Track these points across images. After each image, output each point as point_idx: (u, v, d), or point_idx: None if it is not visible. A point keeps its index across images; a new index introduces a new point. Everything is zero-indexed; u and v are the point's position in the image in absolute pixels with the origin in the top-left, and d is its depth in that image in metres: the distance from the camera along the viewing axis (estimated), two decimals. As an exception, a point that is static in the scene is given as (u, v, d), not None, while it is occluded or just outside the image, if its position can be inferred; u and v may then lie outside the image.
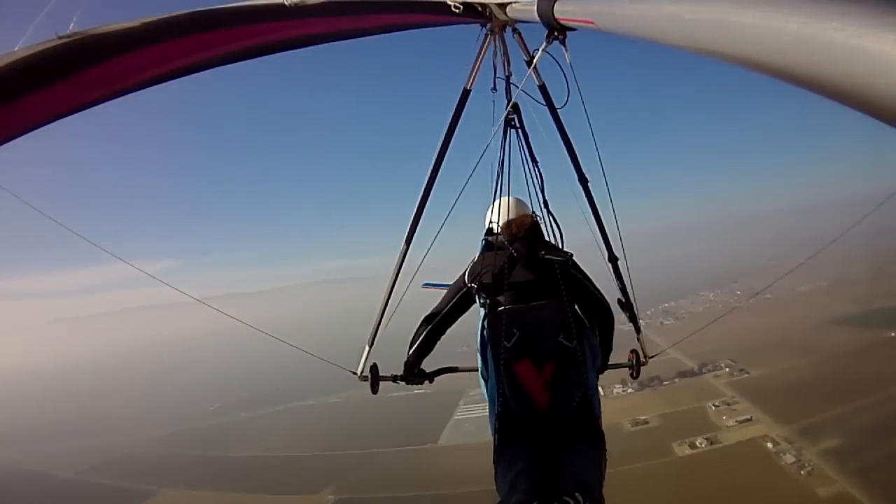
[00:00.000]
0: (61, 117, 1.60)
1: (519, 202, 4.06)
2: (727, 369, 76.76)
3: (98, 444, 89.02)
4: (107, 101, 1.69)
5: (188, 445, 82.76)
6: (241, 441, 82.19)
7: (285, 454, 74.28)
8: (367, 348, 4.54)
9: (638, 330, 4.73)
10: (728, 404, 65.53)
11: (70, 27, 1.57)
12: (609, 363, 4.31)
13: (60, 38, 1.51)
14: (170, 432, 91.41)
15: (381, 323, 4.43)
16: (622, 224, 4.35)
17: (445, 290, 4.04)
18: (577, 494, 2.88)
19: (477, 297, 3.86)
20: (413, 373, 4.14)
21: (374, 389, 4.40)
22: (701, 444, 56.04)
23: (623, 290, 4.48)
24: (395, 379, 4.35)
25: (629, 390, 73.21)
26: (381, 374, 4.38)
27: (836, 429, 53.13)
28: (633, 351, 4.48)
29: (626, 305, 4.50)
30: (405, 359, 4.11)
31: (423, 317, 4.00)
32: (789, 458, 50.42)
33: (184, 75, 1.92)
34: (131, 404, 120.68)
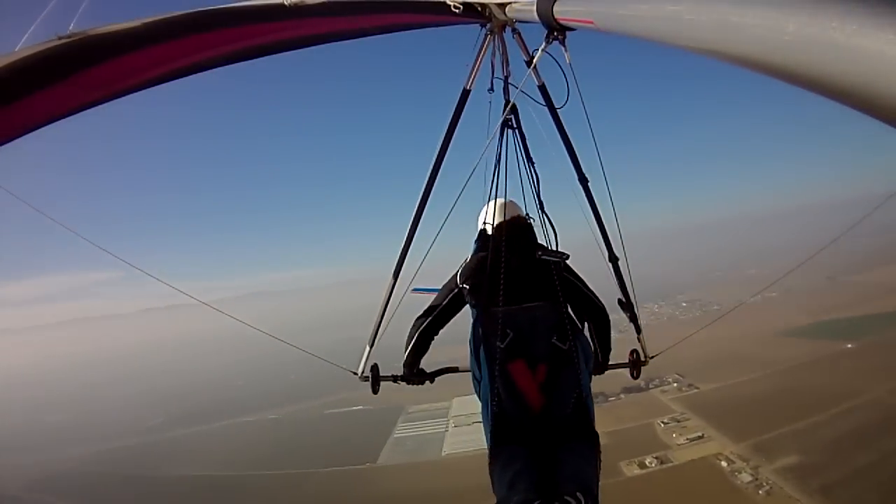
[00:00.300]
0: (61, 118, 1.60)
1: (511, 204, 4.06)
2: (675, 384, 73.15)
3: (23, 462, 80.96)
4: (107, 101, 1.69)
5: (116, 464, 76.24)
6: (172, 459, 76.40)
7: (217, 474, 68.91)
8: (367, 349, 4.54)
9: (638, 330, 4.74)
10: (678, 421, 62.57)
11: (70, 27, 1.57)
12: (609, 363, 4.31)
13: (60, 38, 1.51)
14: (105, 449, 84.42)
15: (382, 324, 4.43)
16: (610, 224, 4.34)
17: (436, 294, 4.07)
18: (578, 494, 2.88)
19: (469, 298, 3.87)
20: (413, 373, 4.14)
21: (375, 389, 4.41)
22: (651, 463, 53.39)
23: (623, 289, 4.48)
24: (395, 379, 4.35)
25: None
26: (381, 374, 4.38)
27: (794, 445, 51.04)
28: (633, 351, 4.48)
29: (627, 305, 4.51)
30: (403, 360, 4.12)
31: (415, 317, 4.02)
32: (746, 477, 47.97)
33: (184, 76, 1.92)
34: (68, 419, 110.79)
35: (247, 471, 68.27)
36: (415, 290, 4.46)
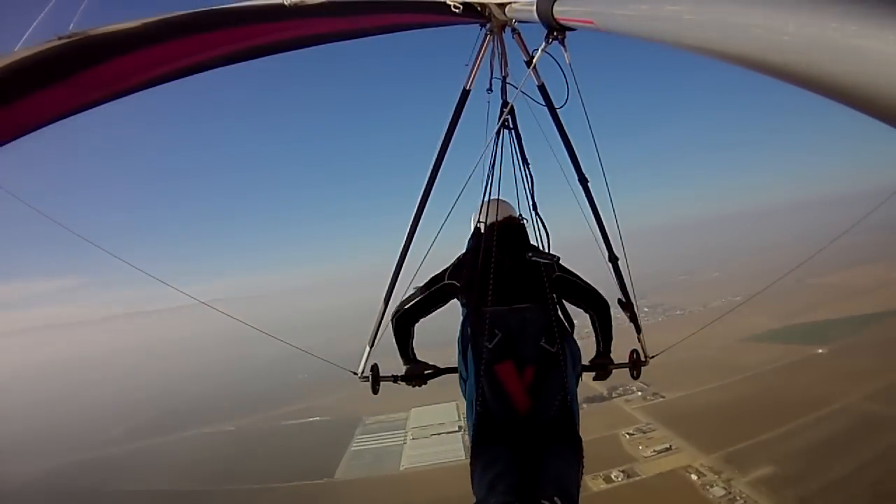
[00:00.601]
0: (62, 118, 1.60)
1: (504, 203, 4.06)
2: (639, 393, 69.22)
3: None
4: (107, 101, 1.69)
5: (69, 480, 70.21)
6: (127, 474, 71.34)
7: (172, 489, 64.60)
8: (367, 349, 4.54)
9: (638, 329, 4.74)
10: (643, 432, 59.22)
11: (70, 27, 1.57)
12: (610, 365, 4.31)
13: (60, 38, 1.51)
14: (57, 465, 77.17)
15: (382, 324, 4.43)
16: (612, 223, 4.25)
17: None
18: (556, 499, 2.87)
19: (459, 297, 3.88)
20: (411, 368, 4.14)
21: (375, 389, 4.41)
22: (617, 477, 50.31)
23: (623, 289, 4.48)
24: (395, 379, 4.35)
25: None
26: (381, 374, 4.38)
27: (767, 455, 48.25)
28: (633, 351, 4.48)
29: (627, 305, 4.51)
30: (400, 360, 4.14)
31: (398, 304, 4.02)
32: (718, 491, 45.42)
33: (184, 76, 1.92)
34: (20, 432, 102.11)
35: (203, 486, 64.42)
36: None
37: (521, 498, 2.92)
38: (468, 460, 3.29)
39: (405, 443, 68.78)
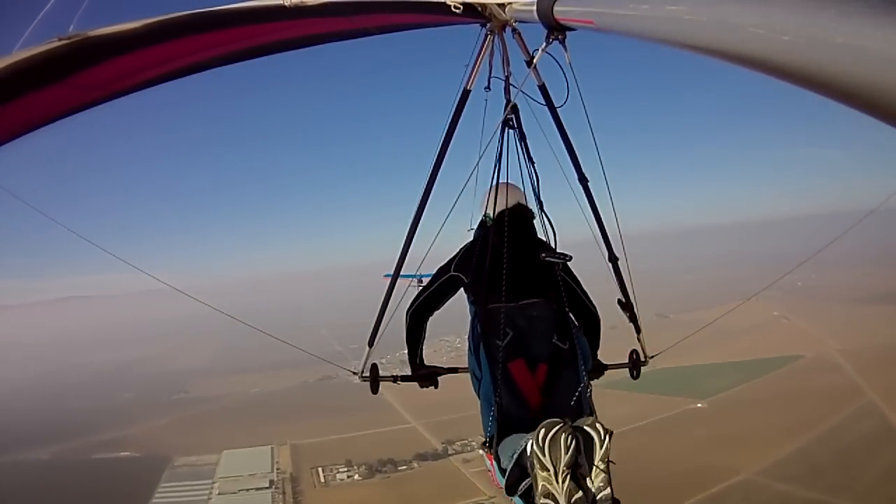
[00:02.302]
0: (61, 118, 1.60)
1: (514, 189, 4.05)
2: (480, 451, 50.76)
3: None
4: (107, 101, 1.70)
5: None
6: None
7: None
8: (367, 349, 4.54)
9: (638, 330, 4.73)
10: None
11: (70, 28, 1.58)
12: (608, 364, 4.31)
13: (60, 39, 1.51)
14: None
15: (382, 324, 4.43)
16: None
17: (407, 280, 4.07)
18: (597, 425, 2.87)
19: (467, 293, 3.88)
20: (415, 369, 4.14)
21: (374, 389, 4.41)
22: None
23: (623, 289, 4.47)
24: (395, 379, 4.35)
25: (356, 476, 54.37)
26: (381, 375, 4.38)
27: None
28: (633, 351, 4.48)
29: (627, 305, 4.50)
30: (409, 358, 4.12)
31: (406, 309, 4.02)
32: None
33: (184, 76, 1.92)
34: None
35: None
36: (386, 275, 4.48)
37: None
38: None
39: (209, 497, 57.54)
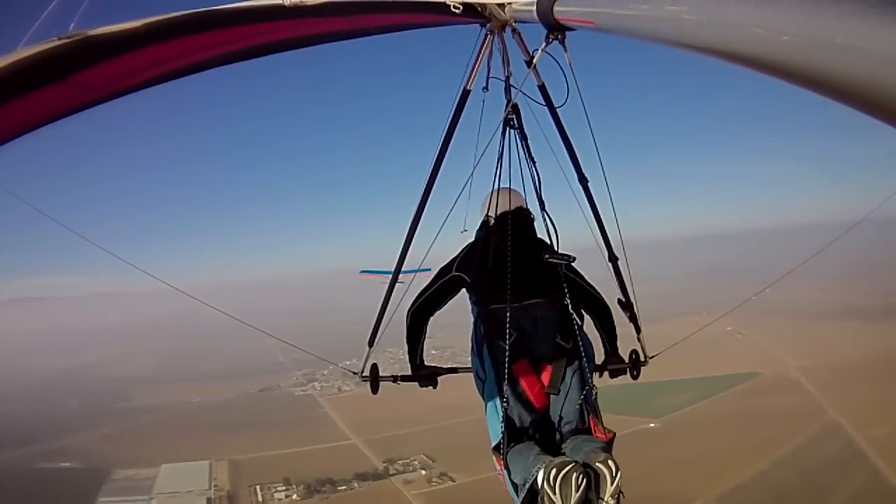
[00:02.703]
0: (61, 117, 1.60)
1: (515, 193, 4.07)
2: (423, 471, 52.64)
3: None
4: (107, 101, 1.69)
5: None
6: None
7: None
8: (367, 349, 4.54)
9: (638, 330, 4.73)
10: None
11: (70, 28, 1.58)
12: (608, 365, 4.31)
13: (61, 38, 1.51)
14: None
15: (382, 324, 4.42)
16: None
17: (382, 277, 4.05)
18: (609, 462, 2.91)
19: (470, 294, 3.87)
20: (415, 369, 4.14)
21: (375, 389, 4.40)
22: None
23: (623, 289, 4.47)
24: (395, 379, 4.35)
25: (294, 496, 52.57)
26: (381, 375, 4.38)
27: None
28: (633, 351, 4.48)
29: (627, 305, 4.50)
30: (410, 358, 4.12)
31: (407, 309, 4.01)
32: None
33: (184, 75, 1.92)
34: None
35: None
36: (362, 271, 4.47)
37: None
38: None
39: (146, 516, 55.05)
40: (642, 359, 4.48)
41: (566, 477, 2.79)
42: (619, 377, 4.41)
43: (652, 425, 57.85)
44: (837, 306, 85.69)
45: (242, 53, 2.12)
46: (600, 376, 4.25)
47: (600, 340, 4.09)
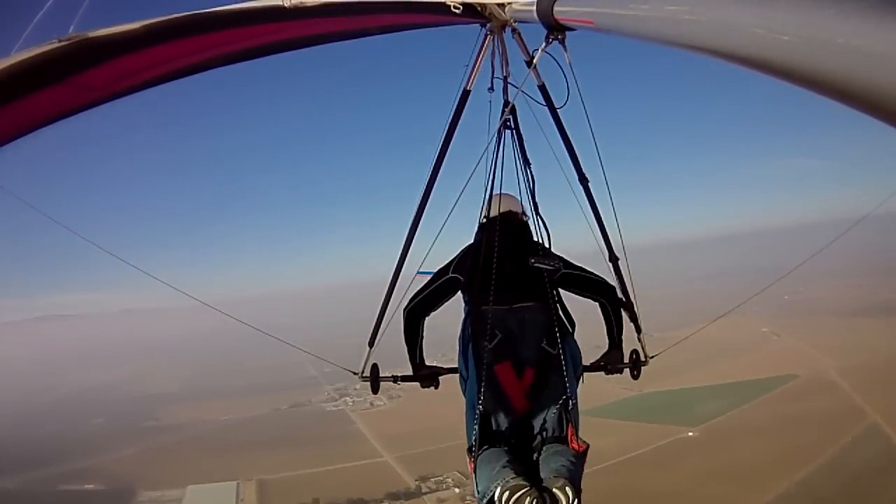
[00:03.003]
0: (61, 119, 1.60)
1: (507, 198, 4.08)
2: (456, 489, 50.29)
3: None
4: (107, 102, 1.69)
5: None
6: None
7: None
8: (368, 349, 4.54)
9: (638, 330, 4.73)
10: None
11: (70, 30, 1.58)
12: (609, 365, 4.30)
13: (60, 40, 1.51)
14: None
15: (382, 324, 4.42)
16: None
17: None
18: (564, 484, 2.89)
19: (463, 294, 3.90)
20: (416, 369, 4.14)
21: (375, 389, 4.41)
22: None
23: (624, 289, 4.47)
24: (395, 379, 4.35)
25: None
26: (381, 374, 4.38)
27: None
28: (633, 351, 4.47)
29: (627, 305, 4.50)
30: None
31: (404, 308, 4.03)
32: None
33: (184, 76, 1.92)
34: None
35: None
36: (419, 272, 4.48)
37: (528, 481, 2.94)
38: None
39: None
40: (643, 359, 4.48)
41: (519, 500, 2.80)
42: (619, 376, 4.41)
43: (690, 434, 56.32)
44: (871, 303, 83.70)
45: (243, 54, 2.12)
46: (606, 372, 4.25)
47: (605, 330, 4.08)
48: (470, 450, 3.35)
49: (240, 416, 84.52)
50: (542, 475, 3.09)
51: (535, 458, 3.31)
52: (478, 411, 3.34)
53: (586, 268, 3.90)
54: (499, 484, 2.91)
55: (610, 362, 4.20)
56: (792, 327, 79.47)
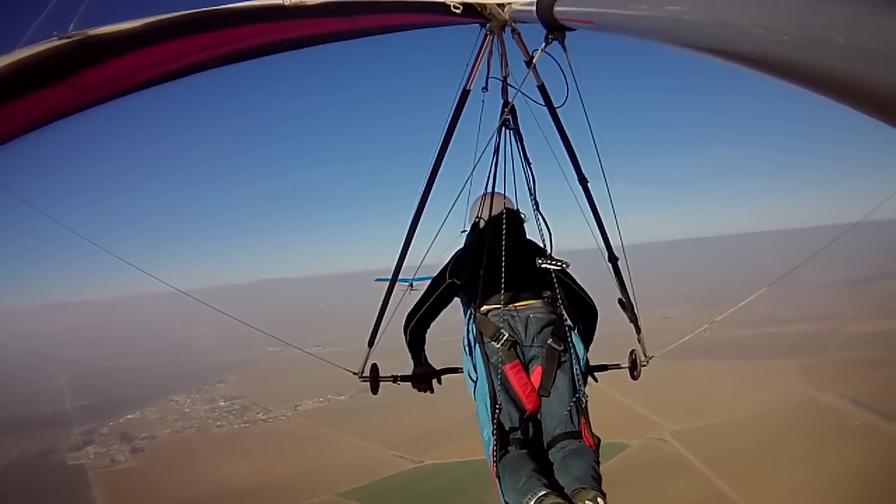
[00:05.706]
0: (62, 117, 1.60)
1: (503, 197, 4.07)
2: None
3: None
4: (107, 101, 1.69)
5: None
6: None
7: None
8: (368, 349, 4.53)
9: (638, 330, 4.73)
10: None
11: (70, 27, 1.58)
12: (609, 365, 4.30)
13: (61, 38, 1.51)
14: None
15: (382, 324, 4.42)
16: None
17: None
18: (599, 500, 2.86)
19: (461, 295, 3.88)
20: (419, 368, 4.14)
21: (375, 389, 4.40)
22: None
23: (623, 289, 4.48)
24: (395, 380, 4.35)
25: None
26: (381, 375, 4.38)
27: None
28: (632, 351, 4.47)
29: (627, 305, 4.50)
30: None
31: (406, 314, 4.03)
32: None
33: (184, 76, 1.92)
34: None
35: None
36: (377, 279, 4.50)
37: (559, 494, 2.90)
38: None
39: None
40: (642, 359, 4.48)
41: None
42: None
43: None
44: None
45: (243, 54, 2.12)
46: (595, 379, 4.25)
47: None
48: (490, 456, 3.33)
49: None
50: (563, 480, 3.06)
51: (548, 455, 3.30)
52: (495, 413, 3.31)
53: (577, 280, 3.91)
54: (531, 499, 2.86)
55: (609, 365, 4.21)
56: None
